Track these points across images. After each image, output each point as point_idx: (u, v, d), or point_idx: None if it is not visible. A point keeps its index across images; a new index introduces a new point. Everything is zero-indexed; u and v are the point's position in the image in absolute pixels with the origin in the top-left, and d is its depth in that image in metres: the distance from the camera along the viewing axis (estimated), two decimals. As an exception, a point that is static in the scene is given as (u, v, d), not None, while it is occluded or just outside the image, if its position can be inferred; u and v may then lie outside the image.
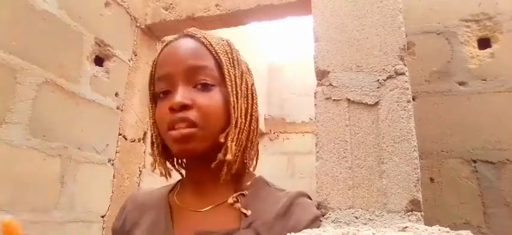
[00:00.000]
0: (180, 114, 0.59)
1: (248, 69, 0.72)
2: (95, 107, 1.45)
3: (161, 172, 0.66)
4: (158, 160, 0.66)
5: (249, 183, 0.67)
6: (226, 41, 0.70)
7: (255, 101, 0.69)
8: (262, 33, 3.58)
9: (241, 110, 0.64)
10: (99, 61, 1.50)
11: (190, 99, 0.60)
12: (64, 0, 1.31)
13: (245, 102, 0.66)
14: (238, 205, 0.62)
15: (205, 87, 0.62)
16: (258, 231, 0.60)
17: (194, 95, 0.61)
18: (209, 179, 0.65)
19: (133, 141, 1.70)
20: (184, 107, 0.59)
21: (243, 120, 0.64)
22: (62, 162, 1.29)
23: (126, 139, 1.64)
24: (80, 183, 1.37)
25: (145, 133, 1.79)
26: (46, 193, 1.23)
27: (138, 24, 1.71)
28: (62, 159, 1.29)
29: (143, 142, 1.77)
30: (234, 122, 0.62)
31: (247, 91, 0.67)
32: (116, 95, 1.58)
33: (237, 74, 0.66)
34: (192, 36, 0.66)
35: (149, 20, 1.73)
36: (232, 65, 0.66)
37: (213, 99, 0.62)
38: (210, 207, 0.64)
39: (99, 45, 1.48)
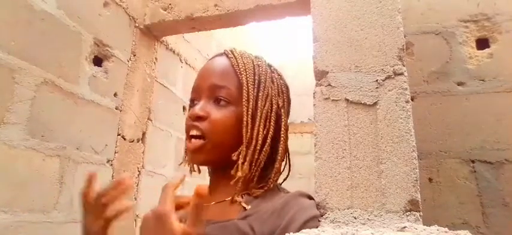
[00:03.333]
0: (195, 123, 0.68)
1: (281, 91, 0.75)
2: (93, 107, 1.45)
3: (190, 169, 0.77)
4: (186, 159, 0.76)
5: (260, 188, 0.70)
6: (258, 63, 0.74)
7: (282, 123, 0.73)
8: (261, 33, 3.58)
9: (257, 130, 0.69)
10: (97, 61, 1.50)
11: (206, 111, 0.68)
12: (63, 0, 1.31)
13: (264, 124, 0.70)
14: (239, 199, 0.67)
15: (222, 104, 0.69)
16: (251, 223, 0.62)
17: (211, 109, 0.69)
18: (224, 186, 0.70)
19: (132, 142, 1.69)
20: (199, 118, 0.68)
21: (260, 141, 0.69)
22: (60, 163, 1.29)
23: (125, 139, 1.64)
24: (79, 184, 1.37)
25: (144, 134, 1.79)
26: (45, 193, 1.23)
27: (137, 25, 1.71)
28: (61, 159, 1.29)
29: (142, 143, 1.77)
30: (245, 142, 0.67)
31: (270, 113, 0.71)
32: (115, 95, 1.57)
33: (259, 95, 0.70)
34: (226, 55, 0.74)
35: (148, 20, 1.72)
36: (256, 86, 0.71)
37: (225, 115, 0.68)
38: (217, 201, 0.69)
39: (98, 46, 1.48)
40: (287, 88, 0.79)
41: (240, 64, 0.72)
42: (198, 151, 0.68)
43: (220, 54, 0.76)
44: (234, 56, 0.73)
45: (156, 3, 1.72)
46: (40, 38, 1.22)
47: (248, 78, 0.70)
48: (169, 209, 0.50)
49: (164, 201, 0.51)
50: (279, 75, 0.78)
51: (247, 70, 0.71)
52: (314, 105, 0.79)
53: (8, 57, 1.11)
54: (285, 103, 0.76)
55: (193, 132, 0.68)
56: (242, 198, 0.68)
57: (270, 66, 0.78)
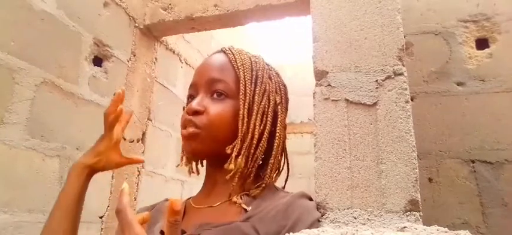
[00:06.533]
0: (191, 117, 0.68)
1: (279, 88, 0.76)
2: (93, 107, 1.45)
3: (189, 170, 0.77)
4: (183, 158, 0.76)
5: (257, 187, 0.70)
6: (256, 60, 0.75)
7: (279, 120, 0.73)
8: (261, 33, 3.58)
9: (253, 125, 0.69)
10: (97, 61, 1.50)
11: (203, 105, 0.69)
12: (62, 0, 1.30)
13: (261, 119, 0.70)
14: (239, 200, 0.66)
15: (219, 97, 0.70)
16: (254, 225, 0.61)
17: (208, 103, 0.69)
18: (221, 183, 0.69)
19: (132, 142, 1.69)
20: (196, 112, 0.68)
21: (257, 136, 0.69)
22: (60, 163, 1.29)
23: (124, 139, 1.63)
24: (79, 184, 1.37)
25: (144, 134, 1.78)
26: (45, 193, 1.23)
27: (137, 25, 1.71)
28: (61, 159, 1.29)
29: (142, 143, 1.77)
30: (240, 135, 0.67)
31: (267, 109, 0.71)
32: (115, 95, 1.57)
33: (256, 91, 0.71)
34: (224, 52, 0.75)
35: (148, 20, 1.72)
36: (253, 81, 0.71)
37: (222, 109, 0.69)
38: (216, 204, 0.69)
39: (98, 46, 1.48)
40: (285, 87, 0.79)
41: (237, 60, 0.72)
42: (192, 137, 0.68)
43: (218, 52, 0.77)
44: (231, 52, 0.74)
45: (156, 3, 1.72)
46: (40, 38, 1.22)
47: (245, 73, 0.71)
48: (124, 205, 0.49)
49: (120, 200, 0.50)
50: (276, 73, 0.79)
51: (244, 65, 0.72)
52: (314, 105, 0.79)
53: (8, 57, 1.11)
54: (283, 100, 0.76)
55: (190, 129, 0.68)
56: (241, 198, 0.67)
57: (267, 64, 0.78)
